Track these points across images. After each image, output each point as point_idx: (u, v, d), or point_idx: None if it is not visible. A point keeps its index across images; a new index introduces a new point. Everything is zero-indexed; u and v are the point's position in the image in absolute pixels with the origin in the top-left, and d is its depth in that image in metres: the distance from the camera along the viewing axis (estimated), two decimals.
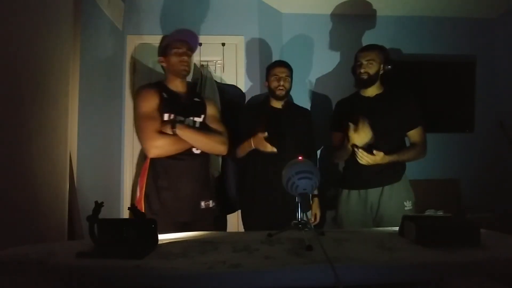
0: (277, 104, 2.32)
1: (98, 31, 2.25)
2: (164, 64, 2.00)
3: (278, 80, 2.25)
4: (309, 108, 2.98)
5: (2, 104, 1.26)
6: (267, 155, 2.17)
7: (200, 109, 2.00)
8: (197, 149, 1.91)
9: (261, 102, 2.45)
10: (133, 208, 1.21)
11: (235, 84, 2.76)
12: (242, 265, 0.95)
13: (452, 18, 3.10)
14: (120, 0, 2.60)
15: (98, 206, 1.16)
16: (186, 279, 0.92)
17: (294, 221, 1.32)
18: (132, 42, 2.74)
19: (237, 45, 2.83)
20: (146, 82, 2.17)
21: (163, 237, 1.30)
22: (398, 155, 2.01)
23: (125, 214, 2.49)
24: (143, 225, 1.17)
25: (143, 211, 1.79)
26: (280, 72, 2.26)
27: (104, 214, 1.17)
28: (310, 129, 2.39)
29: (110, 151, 2.51)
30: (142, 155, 1.91)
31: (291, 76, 2.31)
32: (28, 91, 1.41)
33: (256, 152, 2.19)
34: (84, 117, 1.95)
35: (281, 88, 2.24)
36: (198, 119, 1.97)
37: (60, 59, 1.63)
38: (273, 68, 2.30)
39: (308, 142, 2.35)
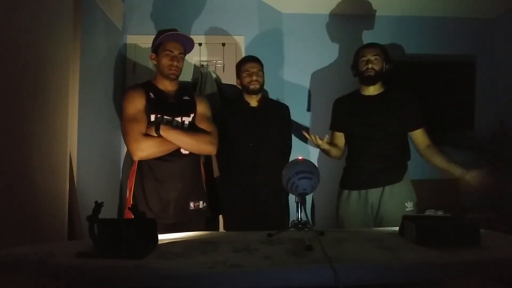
0: (253, 101, 2.26)
1: (98, 31, 2.25)
2: (154, 62, 1.99)
3: (251, 75, 2.20)
4: (308, 108, 2.98)
5: (2, 104, 1.26)
6: (246, 155, 2.17)
7: (189, 108, 1.98)
8: (185, 150, 1.90)
9: (235, 100, 2.39)
10: (133, 208, 1.21)
11: (235, 84, 2.76)
12: (242, 265, 0.95)
13: (452, 18, 3.10)
14: (120, 0, 2.60)
15: (98, 206, 1.15)
16: (186, 279, 0.92)
17: (294, 221, 1.32)
18: (132, 42, 2.75)
19: (237, 45, 2.83)
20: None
21: (163, 237, 1.30)
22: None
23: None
24: (143, 225, 1.17)
25: None
26: (251, 67, 2.22)
27: (104, 214, 1.17)
28: (287, 124, 2.36)
29: (110, 151, 2.51)
30: (129, 157, 1.90)
31: (262, 70, 2.26)
32: (28, 91, 1.41)
33: (235, 152, 2.19)
34: (84, 117, 1.95)
35: (254, 82, 2.19)
36: (187, 119, 1.95)
37: (60, 59, 1.63)
38: (243, 64, 2.25)
39: (284, 138, 2.33)
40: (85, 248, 1.10)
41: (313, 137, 2.03)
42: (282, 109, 2.37)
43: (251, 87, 2.20)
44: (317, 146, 2.09)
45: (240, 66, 2.27)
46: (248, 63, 2.24)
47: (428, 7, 2.98)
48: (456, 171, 1.95)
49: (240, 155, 2.20)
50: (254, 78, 2.19)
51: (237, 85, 2.35)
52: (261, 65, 2.27)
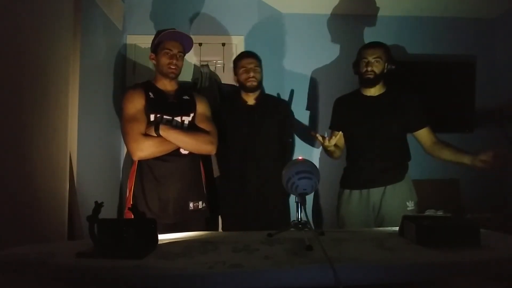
0: (250, 99, 2.20)
1: (98, 31, 2.25)
2: (154, 62, 2.00)
3: (247, 71, 2.13)
4: (308, 107, 2.98)
5: (2, 104, 1.26)
6: (241, 155, 2.14)
7: (189, 108, 1.98)
8: (185, 150, 1.90)
9: (233, 98, 2.32)
10: (133, 208, 1.21)
11: (235, 84, 2.76)
12: (242, 265, 0.95)
13: (452, 18, 3.10)
14: (120, 0, 2.60)
15: (98, 206, 1.15)
16: (186, 279, 0.92)
17: (294, 221, 1.32)
18: (132, 42, 2.75)
19: (237, 45, 2.83)
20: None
21: (163, 237, 1.30)
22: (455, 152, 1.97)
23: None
24: (143, 225, 1.17)
25: None
26: (248, 63, 2.15)
27: (104, 214, 1.17)
28: (288, 121, 2.32)
29: (110, 151, 2.51)
30: (129, 157, 1.90)
31: (260, 66, 2.19)
32: (28, 91, 1.41)
33: (230, 152, 2.16)
34: (84, 117, 1.95)
35: (251, 79, 2.13)
36: (187, 118, 1.95)
37: (60, 59, 1.63)
38: (240, 60, 2.18)
39: (283, 136, 2.29)
40: (85, 248, 1.10)
41: (326, 140, 1.97)
42: (281, 106, 2.33)
43: (248, 84, 2.14)
44: (324, 147, 2.03)
45: (237, 62, 2.21)
46: (244, 59, 2.18)
47: (428, 7, 2.98)
48: (465, 159, 1.91)
49: (235, 155, 2.17)
50: (251, 74, 2.13)
51: (235, 82, 2.28)
52: (259, 60, 2.20)
